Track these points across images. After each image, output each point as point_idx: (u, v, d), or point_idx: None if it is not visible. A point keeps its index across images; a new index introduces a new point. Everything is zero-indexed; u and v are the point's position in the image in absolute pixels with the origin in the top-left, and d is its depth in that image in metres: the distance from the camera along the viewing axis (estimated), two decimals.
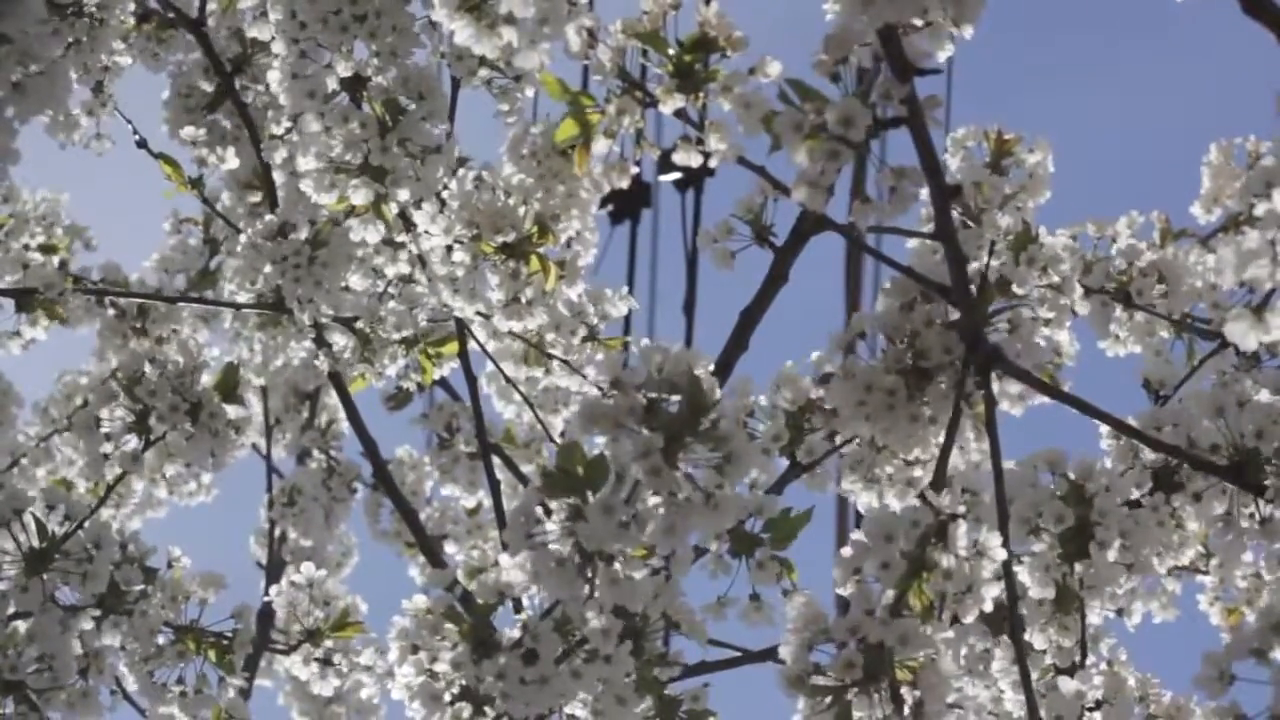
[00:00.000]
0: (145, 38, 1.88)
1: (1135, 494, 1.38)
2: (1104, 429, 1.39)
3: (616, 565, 1.15)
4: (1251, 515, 1.35)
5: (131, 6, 1.80)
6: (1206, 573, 1.53)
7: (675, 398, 1.15)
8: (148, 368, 1.69)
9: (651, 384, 1.15)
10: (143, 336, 2.12)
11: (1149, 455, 1.38)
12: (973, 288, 1.37)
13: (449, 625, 1.19)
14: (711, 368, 1.18)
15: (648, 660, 1.26)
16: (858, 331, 1.43)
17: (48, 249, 1.95)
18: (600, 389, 1.16)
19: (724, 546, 1.34)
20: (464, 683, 1.19)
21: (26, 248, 1.92)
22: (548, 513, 1.16)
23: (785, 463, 1.50)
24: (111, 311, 2.13)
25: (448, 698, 1.19)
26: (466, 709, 1.19)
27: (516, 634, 1.19)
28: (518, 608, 1.21)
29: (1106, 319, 1.56)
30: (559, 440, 1.90)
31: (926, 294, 1.40)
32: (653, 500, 1.13)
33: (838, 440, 1.47)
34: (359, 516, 2.38)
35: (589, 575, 1.15)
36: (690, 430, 1.14)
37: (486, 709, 1.18)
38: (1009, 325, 1.42)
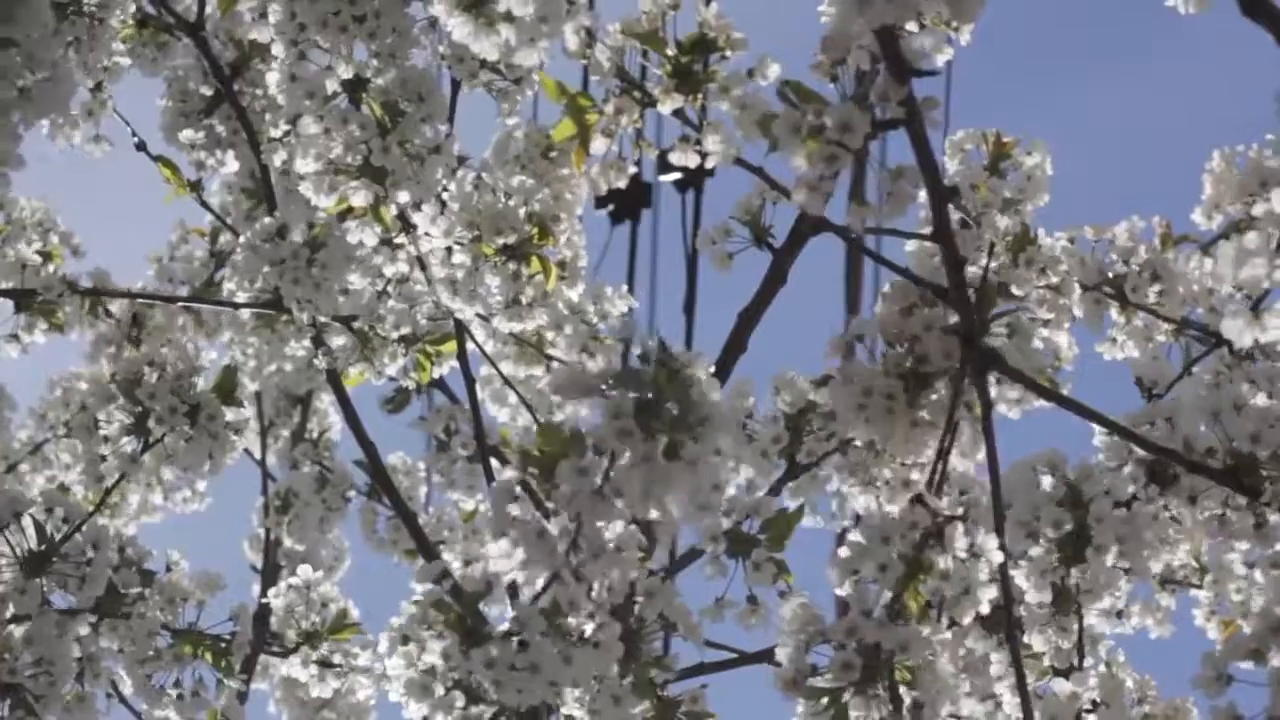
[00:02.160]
0: (143, 42, 1.89)
1: (1130, 489, 1.37)
2: (1099, 428, 1.39)
3: (599, 537, 1.14)
4: (1254, 523, 1.35)
5: (132, 7, 1.81)
6: (1201, 587, 1.52)
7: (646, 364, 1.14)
8: (146, 370, 1.69)
9: (628, 374, 1.14)
10: (137, 347, 2.12)
11: (1142, 450, 1.38)
12: (972, 291, 1.37)
13: (438, 616, 1.19)
14: (711, 369, 1.17)
15: (644, 663, 1.25)
16: (857, 334, 1.42)
17: (44, 256, 1.95)
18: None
19: (720, 547, 1.34)
20: (456, 674, 1.18)
21: (23, 264, 1.93)
22: (536, 502, 1.15)
23: (784, 464, 1.50)
24: (105, 327, 2.14)
25: (439, 690, 1.18)
26: (460, 700, 1.18)
27: (507, 624, 1.18)
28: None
29: (1099, 316, 1.56)
30: None
31: (927, 298, 1.40)
32: (629, 465, 1.12)
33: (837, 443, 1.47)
34: (354, 524, 2.37)
35: (574, 555, 1.14)
36: (664, 395, 1.14)
37: (480, 700, 1.18)
38: (1008, 330, 1.42)
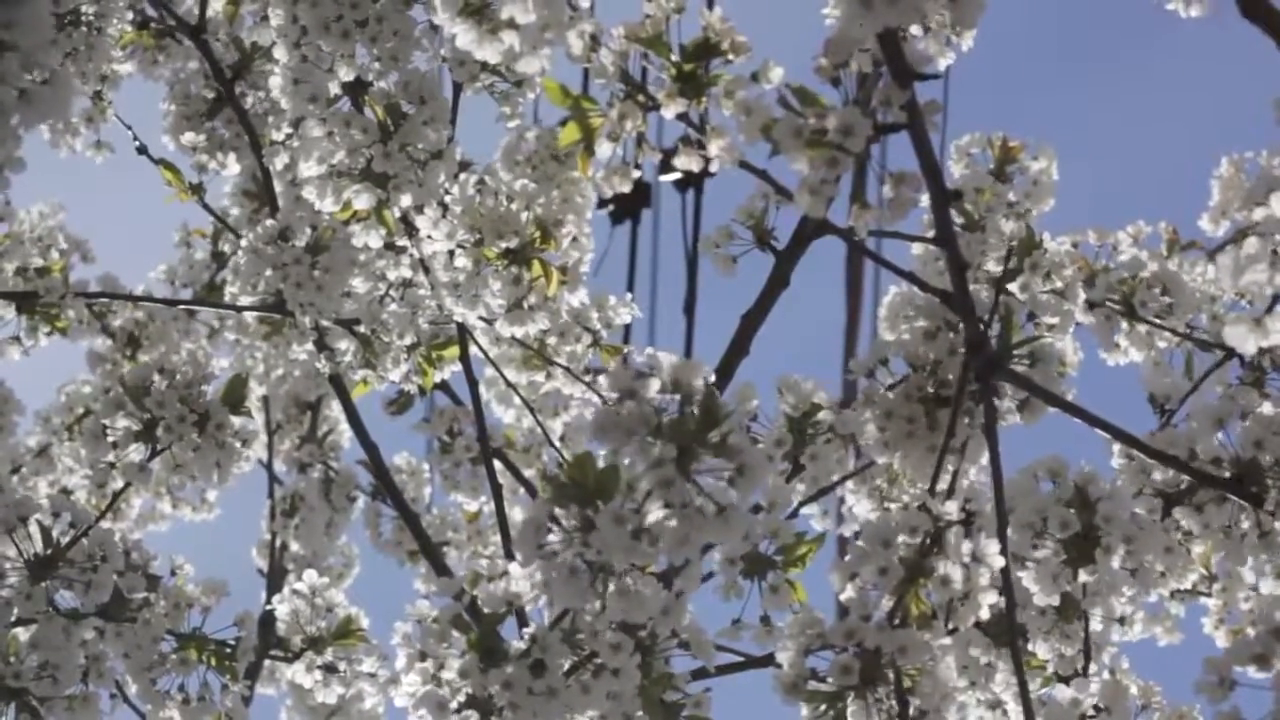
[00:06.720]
0: (144, 47, 1.89)
1: (1143, 513, 1.37)
2: (1117, 445, 1.38)
3: (627, 578, 1.14)
4: (1260, 531, 1.34)
5: (130, 16, 1.81)
6: (1210, 595, 1.52)
7: (686, 408, 1.14)
8: (155, 378, 1.69)
9: (663, 394, 1.14)
10: (133, 362, 2.12)
11: (1158, 475, 1.38)
12: (983, 297, 1.36)
13: (456, 634, 1.19)
14: (712, 375, 1.17)
15: (655, 679, 1.25)
16: (880, 358, 1.41)
17: (44, 271, 1.95)
18: (605, 399, 1.15)
19: (737, 569, 1.33)
20: (471, 691, 1.18)
21: (23, 271, 1.93)
22: (556, 523, 1.14)
23: (787, 467, 1.50)
24: (108, 342, 2.14)
25: (454, 705, 1.18)
26: (473, 717, 1.18)
27: (524, 644, 1.18)
28: (522, 619, 1.20)
29: (1111, 332, 1.55)
30: (558, 444, 1.90)
31: (951, 322, 1.39)
32: (664, 511, 1.11)
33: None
34: (360, 528, 2.37)
35: (599, 587, 1.14)
36: (702, 441, 1.13)
37: (493, 718, 1.18)
38: (1030, 359, 1.40)
